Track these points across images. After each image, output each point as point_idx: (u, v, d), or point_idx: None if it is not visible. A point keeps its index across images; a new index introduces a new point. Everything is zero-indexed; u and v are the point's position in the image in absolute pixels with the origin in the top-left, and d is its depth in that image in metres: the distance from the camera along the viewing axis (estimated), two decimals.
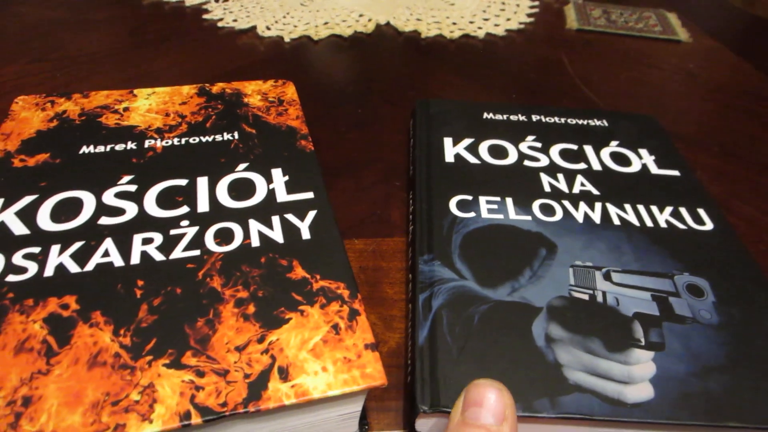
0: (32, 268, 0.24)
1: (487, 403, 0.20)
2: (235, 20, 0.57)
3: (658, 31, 0.60)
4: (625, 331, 0.24)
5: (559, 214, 0.30)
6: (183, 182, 0.29)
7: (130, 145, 0.31)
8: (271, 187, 0.29)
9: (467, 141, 0.36)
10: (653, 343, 0.24)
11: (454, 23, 0.58)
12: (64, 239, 0.25)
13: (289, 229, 0.26)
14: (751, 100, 0.48)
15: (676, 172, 0.34)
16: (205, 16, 0.58)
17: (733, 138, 0.43)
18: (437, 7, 0.62)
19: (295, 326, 0.22)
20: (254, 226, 0.26)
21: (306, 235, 0.26)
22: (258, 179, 0.29)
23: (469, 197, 0.31)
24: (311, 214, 0.27)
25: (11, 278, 0.23)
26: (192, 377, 0.20)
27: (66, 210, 0.27)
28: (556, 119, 0.38)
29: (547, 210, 0.31)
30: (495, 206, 0.31)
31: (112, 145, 0.31)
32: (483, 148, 0.35)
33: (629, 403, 0.22)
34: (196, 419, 0.19)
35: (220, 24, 0.56)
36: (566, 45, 0.56)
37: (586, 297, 0.26)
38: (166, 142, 0.31)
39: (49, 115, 0.33)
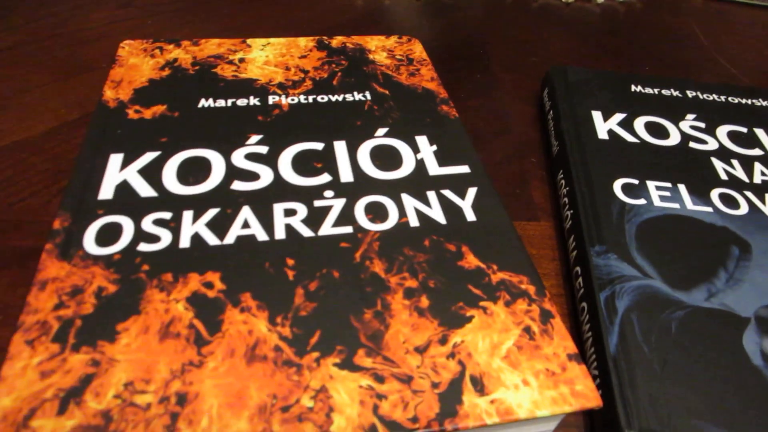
0: (165, 236, 0.21)
1: None
2: None
3: None
4: None
5: (744, 207, 0.26)
6: (319, 146, 0.25)
7: (253, 101, 0.28)
8: (419, 157, 0.25)
9: (619, 116, 0.31)
10: None
11: None
12: (197, 204, 0.22)
13: (449, 207, 0.23)
14: None
15: None
16: None
17: None
18: None
19: (480, 326, 0.18)
20: (409, 201, 0.23)
21: (471, 216, 0.22)
22: (403, 147, 0.25)
23: (635, 181, 0.27)
24: (471, 192, 0.23)
25: (144, 247, 0.20)
26: (371, 382, 0.17)
27: (194, 171, 0.23)
28: (715, 96, 0.34)
29: (730, 201, 0.26)
30: (667, 193, 0.27)
31: (234, 100, 0.28)
32: (639, 125, 0.31)
33: None
34: None
35: None
36: (695, 14, 0.51)
37: None
38: (292, 99, 0.28)
39: (160, 62, 0.30)
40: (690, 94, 0.34)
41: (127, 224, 0.21)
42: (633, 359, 0.20)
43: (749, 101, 0.34)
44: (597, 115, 0.31)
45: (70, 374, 0.16)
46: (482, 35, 0.45)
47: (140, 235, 0.21)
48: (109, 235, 0.20)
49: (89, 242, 0.20)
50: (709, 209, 0.26)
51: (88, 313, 0.18)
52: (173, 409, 0.16)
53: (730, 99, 0.34)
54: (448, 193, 0.23)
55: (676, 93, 0.34)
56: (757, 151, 0.30)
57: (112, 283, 0.19)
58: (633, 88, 0.34)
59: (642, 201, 0.26)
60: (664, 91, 0.34)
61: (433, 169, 0.25)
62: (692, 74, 0.42)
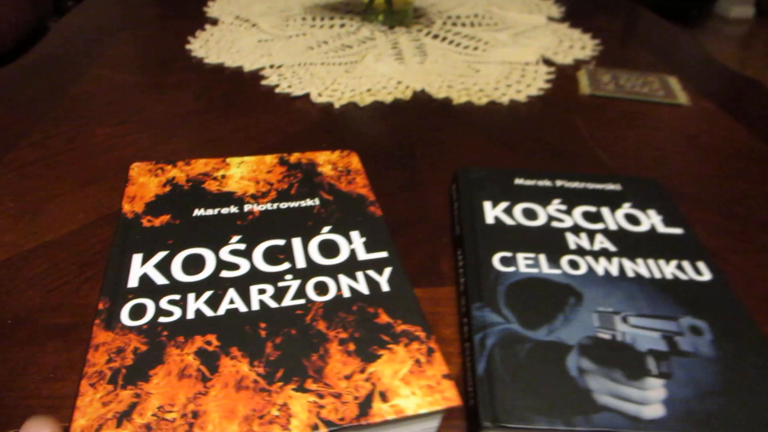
0: (177, 311, 0.31)
1: None
2: (289, 86, 0.65)
3: (661, 95, 0.68)
4: (641, 363, 0.31)
5: (583, 268, 0.37)
6: (281, 242, 0.36)
7: (233, 209, 0.38)
8: (351, 247, 0.36)
9: (503, 204, 0.42)
10: (663, 373, 0.31)
11: (481, 90, 0.66)
12: (197, 288, 0.32)
13: (371, 282, 0.33)
14: (745, 160, 0.55)
15: (679, 231, 0.41)
16: (263, 82, 0.66)
17: (729, 196, 0.50)
18: (465, 74, 0.70)
19: (387, 360, 0.29)
20: (343, 280, 0.33)
21: (385, 287, 0.33)
22: (341, 240, 0.36)
23: (509, 254, 0.38)
24: (387, 270, 0.34)
25: (162, 320, 0.30)
26: (315, 399, 0.26)
27: (193, 264, 0.34)
28: (577, 184, 0.45)
29: (574, 265, 0.37)
30: (531, 261, 0.37)
31: (219, 209, 0.38)
32: (517, 210, 0.42)
33: (646, 419, 0.28)
34: (322, 429, 0.25)
35: (276, 90, 0.64)
36: (581, 109, 0.64)
37: (608, 337, 0.32)
38: (262, 207, 0.38)
39: (162, 180, 0.40)
40: (558, 183, 0.45)
41: (150, 304, 0.31)
42: (493, 377, 0.30)
43: (601, 186, 0.45)
44: (487, 205, 0.43)
45: (122, 403, 0.26)
46: (411, 137, 0.57)
47: (160, 312, 0.30)
48: (138, 312, 0.30)
49: (125, 317, 0.30)
50: (559, 271, 0.37)
51: (130, 364, 0.28)
52: (190, 421, 0.25)
53: (587, 185, 0.45)
54: (371, 272, 0.34)
55: (548, 183, 0.45)
56: (600, 225, 0.41)
57: (144, 344, 0.29)
58: (516, 181, 0.45)
59: (512, 268, 0.37)
60: (539, 182, 0.45)
61: (362, 255, 0.35)
62: (573, 162, 0.54)
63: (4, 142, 0.53)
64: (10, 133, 0.54)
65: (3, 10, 1.47)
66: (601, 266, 0.37)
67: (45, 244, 0.40)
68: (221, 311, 0.31)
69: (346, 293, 0.32)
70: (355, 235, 0.37)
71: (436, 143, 0.56)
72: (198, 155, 0.52)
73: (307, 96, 0.64)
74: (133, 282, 0.32)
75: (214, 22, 0.85)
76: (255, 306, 0.31)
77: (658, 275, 0.37)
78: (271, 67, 0.70)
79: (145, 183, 0.40)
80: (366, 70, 0.69)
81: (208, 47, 0.76)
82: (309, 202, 0.39)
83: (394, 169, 0.51)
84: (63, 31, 0.80)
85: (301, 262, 0.34)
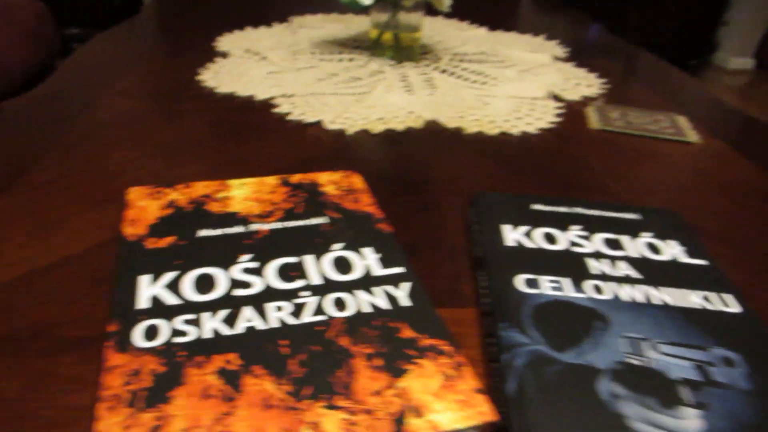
0: (192, 331, 0.29)
1: None
2: (302, 114, 0.65)
3: (671, 132, 0.69)
4: (675, 392, 0.30)
5: (608, 294, 0.37)
6: (294, 259, 0.35)
7: (239, 229, 0.37)
8: (365, 263, 0.35)
9: (523, 228, 0.43)
10: (699, 404, 0.30)
11: (492, 121, 0.67)
12: (211, 307, 0.31)
13: (390, 297, 0.32)
14: (760, 198, 0.56)
15: (703, 262, 0.41)
16: (274, 110, 0.66)
17: (747, 232, 0.50)
18: (475, 106, 0.71)
19: (415, 375, 0.28)
20: (362, 295, 0.32)
21: (405, 302, 0.32)
22: (354, 256, 0.35)
23: (533, 276, 0.38)
24: (406, 286, 0.33)
25: (178, 340, 0.29)
26: (347, 416, 0.25)
27: (205, 283, 0.32)
28: (595, 212, 0.46)
29: (598, 290, 0.37)
30: (555, 284, 0.37)
31: (224, 229, 0.37)
32: (537, 234, 0.42)
33: None
34: None
35: (288, 117, 0.64)
36: (591, 143, 0.65)
37: (639, 363, 0.32)
38: (270, 226, 0.38)
39: (163, 203, 0.39)
40: (576, 210, 0.46)
41: (163, 325, 0.29)
42: (524, 397, 0.29)
43: (620, 215, 0.46)
44: (507, 228, 0.43)
45: (144, 426, 0.24)
46: (425, 164, 0.57)
47: (175, 332, 0.29)
48: (151, 333, 0.29)
49: (138, 339, 0.29)
50: (584, 295, 0.37)
51: (148, 386, 0.26)
52: None
53: (605, 213, 0.46)
54: (388, 287, 0.33)
55: (566, 209, 0.46)
56: (621, 252, 0.41)
57: (161, 366, 0.27)
58: (534, 206, 0.46)
59: (536, 290, 0.37)
60: (557, 209, 0.46)
61: (377, 270, 0.35)
62: (585, 193, 0.54)
63: (19, 164, 0.52)
64: (24, 156, 0.54)
65: (13, 49, 1.49)
66: (625, 292, 0.37)
67: (60, 261, 0.39)
68: (239, 329, 0.30)
69: (366, 308, 0.32)
70: (367, 251, 0.36)
71: (449, 169, 0.56)
72: (210, 179, 0.51)
73: (319, 123, 0.64)
74: (143, 303, 0.31)
75: (224, 55, 0.85)
76: (274, 323, 0.30)
77: (684, 304, 0.37)
78: (283, 96, 0.70)
79: (146, 206, 0.39)
80: (377, 100, 0.70)
81: (219, 78, 0.75)
82: (316, 221, 0.39)
83: (409, 194, 0.51)
84: (74, 65, 0.80)
85: (316, 279, 0.34)
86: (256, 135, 0.61)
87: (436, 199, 0.51)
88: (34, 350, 0.32)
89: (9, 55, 1.52)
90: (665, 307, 0.36)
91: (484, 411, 0.26)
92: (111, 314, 0.30)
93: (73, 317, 0.35)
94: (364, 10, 0.89)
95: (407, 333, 0.30)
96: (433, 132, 0.65)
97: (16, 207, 0.45)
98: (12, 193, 0.47)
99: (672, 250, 0.42)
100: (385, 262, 0.35)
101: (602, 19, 1.41)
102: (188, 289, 0.32)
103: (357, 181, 0.44)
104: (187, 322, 0.30)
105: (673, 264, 0.40)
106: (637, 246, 0.42)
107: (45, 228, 0.43)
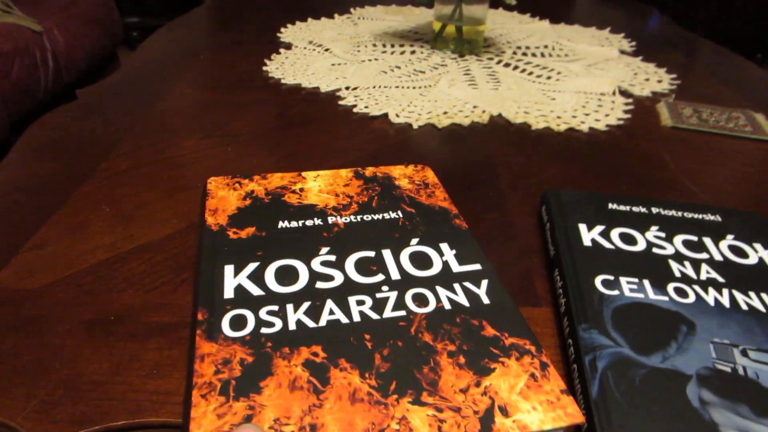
0: (278, 322, 0.30)
1: None
2: (366, 107, 0.65)
3: (749, 131, 0.66)
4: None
5: (692, 297, 0.36)
6: (371, 254, 0.35)
7: (317, 221, 0.38)
8: (444, 259, 0.35)
9: (599, 228, 0.42)
10: None
11: (559, 117, 0.66)
12: (294, 299, 0.31)
13: (470, 294, 0.32)
14: None
15: None
16: (340, 102, 0.67)
17: None
18: (541, 101, 0.69)
19: (501, 374, 0.28)
20: (442, 291, 0.32)
21: (486, 300, 0.32)
22: (431, 252, 0.35)
23: (611, 277, 0.37)
24: (484, 283, 0.33)
25: (264, 330, 0.29)
26: (434, 412, 0.25)
27: (286, 275, 0.33)
28: (674, 212, 0.44)
29: (681, 293, 0.36)
30: (635, 286, 0.36)
31: (303, 221, 0.37)
32: (614, 234, 0.41)
33: None
34: None
35: (355, 110, 0.65)
36: (664, 141, 0.63)
37: (728, 369, 0.31)
38: (346, 219, 0.38)
39: (241, 194, 0.40)
40: (654, 210, 0.44)
41: (249, 315, 0.30)
42: (608, 402, 0.29)
43: (700, 216, 0.44)
44: (583, 227, 0.42)
45: (237, 415, 0.25)
46: (492, 160, 0.56)
47: (260, 322, 0.30)
48: (239, 323, 0.30)
49: (226, 328, 0.29)
50: (666, 298, 0.36)
51: (238, 375, 0.27)
52: None
53: (685, 214, 0.44)
54: (468, 284, 0.33)
55: (643, 209, 0.44)
56: (704, 255, 0.40)
57: (249, 356, 0.28)
58: (610, 205, 0.45)
59: (616, 292, 0.36)
60: (633, 208, 0.44)
61: (456, 267, 0.34)
62: (661, 192, 0.53)
63: (98, 152, 0.54)
64: (102, 144, 0.56)
65: (79, 38, 1.58)
66: (710, 296, 0.36)
67: (140, 247, 0.41)
68: (322, 322, 0.30)
69: (447, 305, 0.32)
70: (444, 247, 0.36)
71: (516, 165, 0.56)
72: (280, 169, 0.52)
73: (385, 116, 0.64)
74: (228, 293, 0.32)
75: (288, 46, 0.86)
76: (356, 317, 0.30)
77: None
78: (347, 88, 0.70)
79: (225, 196, 0.40)
80: (440, 94, 0.69)
81: (284, 69, 0.77)
82: (392, 215, 0.39)
83: (477, 189, 0.51)
84: (143, 55, 0.83)
85: (395, 274, 0.34)
86: (323, 127, 0.61)
87: (505, 195, 0.50)
88: (121, 334, 0.33)
89: (75, 43, 1.58)
90: (754, 312, 0.35)
91: (571, 413, 0.26)
92: (198, 302, 0.31)
93: (156, 303, 0.36)
94: (429, 3, 0.89)
95: (489, 331, 0.30)
96: (499, 127, 0.64)
97: (96, 193, 0.47)
98: (93, 180, 0.49)
99: (758, 254, 0.40)
100: (462, 259, 0.35)
101: (667, 12, 1.36)
102: (271, 280, 0.33)
103: (430, 175, 0.44)
104: (272, 313, 0.30)
105: (761, 267, 0.39)
106: (720, 249, 0.41)
107: (124, 215, 0.44)
